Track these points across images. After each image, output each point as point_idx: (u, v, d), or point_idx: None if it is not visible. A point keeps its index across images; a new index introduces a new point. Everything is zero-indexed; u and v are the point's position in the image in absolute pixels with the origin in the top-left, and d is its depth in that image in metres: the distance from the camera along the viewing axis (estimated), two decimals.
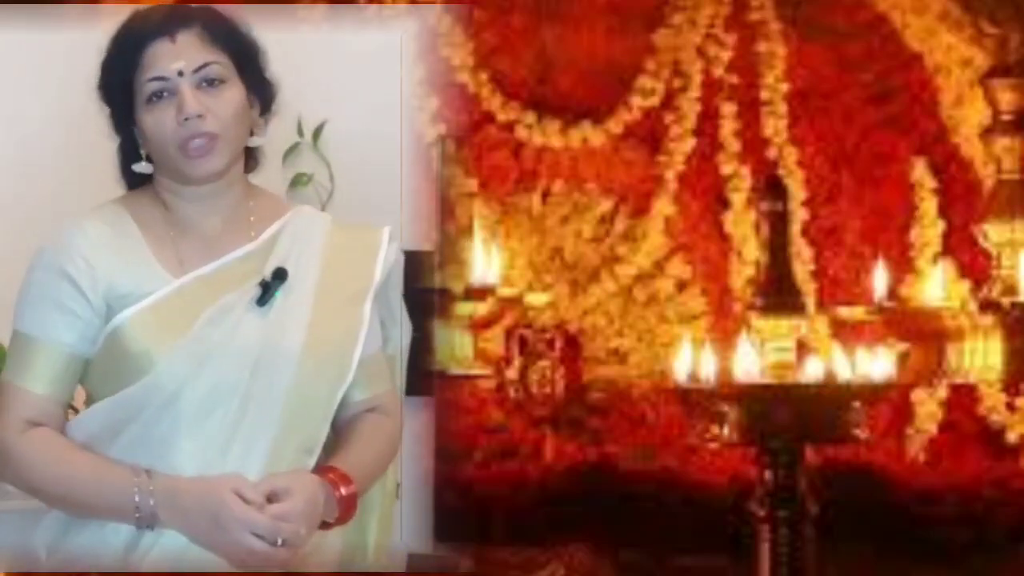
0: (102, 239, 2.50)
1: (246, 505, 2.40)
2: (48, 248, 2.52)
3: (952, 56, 5.40)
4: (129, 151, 2.57)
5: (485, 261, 4.91)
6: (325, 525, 2.53)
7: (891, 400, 5.09)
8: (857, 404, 4.53)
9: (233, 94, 2.52)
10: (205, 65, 2.50)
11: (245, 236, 2.57)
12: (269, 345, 2.49)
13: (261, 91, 2.59)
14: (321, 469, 2.53)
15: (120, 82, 2.52)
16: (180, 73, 2.48)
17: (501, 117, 5.38)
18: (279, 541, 2.41)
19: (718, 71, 5.43)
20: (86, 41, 4.27)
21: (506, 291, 4.93)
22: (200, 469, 2.44)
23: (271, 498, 2.43)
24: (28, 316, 2.49)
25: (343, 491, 2.52)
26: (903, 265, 5.26)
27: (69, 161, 4.20)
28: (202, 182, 2.53)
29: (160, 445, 2.45)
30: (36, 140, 4.29)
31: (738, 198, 5.39)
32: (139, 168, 2.55)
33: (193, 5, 2.56)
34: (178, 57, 2.49)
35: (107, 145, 2.68)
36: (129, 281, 2.48)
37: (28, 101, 4.31)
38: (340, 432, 2.63)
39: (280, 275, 2.53)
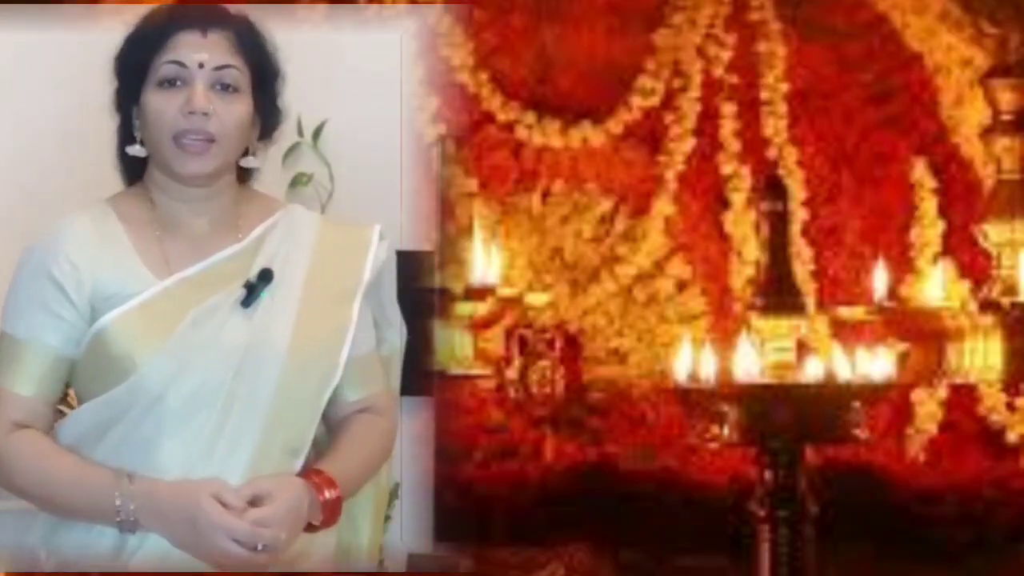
0: (87, 240, 2.49)
1: (224, 510, 2.39)
2: (35, 249, 2.51)
3: (952, 56, 5.40)
4: (126, 133, 2.56)
5: (485, 261, 4.91)
6: (311, 527, 2.52)
7: (891, 400, 5.09)
8: (857, 404, 4.53)
9: (242, 106, 2.52)
10: (226, 67, 2.50)
11: (232, 237, 2.55)
12: (254, 346, 2.48)
13: (268, 114, 2.58)
14: (307, 472, 2.51)
15: (137, 60, 2.51)
16: (200, 65, 2.48)
17: (501, 117, 5.39)
18: (259, 546, 2.40)
19: (718, 71, 5.43)
20: (86, 41, 4.29)
21: (506, 291, 4.92)
22: (184, 470, 2.43)
23: (253, 502, 2.42)
24: (15, 318, 2.49)
25: (327, 495, 2.50)
26: (903, 265, 5.27)
27: (66, 161, 4.21)
28: (187, 181, 2.52)
29: (144, 446, 2.44)
30: (35, 140, 4.30)
31: (738, 198, 5.39)
32: (132, 151, 2.54)
33: (231, 11, 2.57)
34: (203, 50, 2.49)
35: (105, 144, 2.68)
36: (114, 283, 2.47)
37: (27, 101, 4.31)
38: (332, 433, 2.61)
39: (266, 276, 2.51)
